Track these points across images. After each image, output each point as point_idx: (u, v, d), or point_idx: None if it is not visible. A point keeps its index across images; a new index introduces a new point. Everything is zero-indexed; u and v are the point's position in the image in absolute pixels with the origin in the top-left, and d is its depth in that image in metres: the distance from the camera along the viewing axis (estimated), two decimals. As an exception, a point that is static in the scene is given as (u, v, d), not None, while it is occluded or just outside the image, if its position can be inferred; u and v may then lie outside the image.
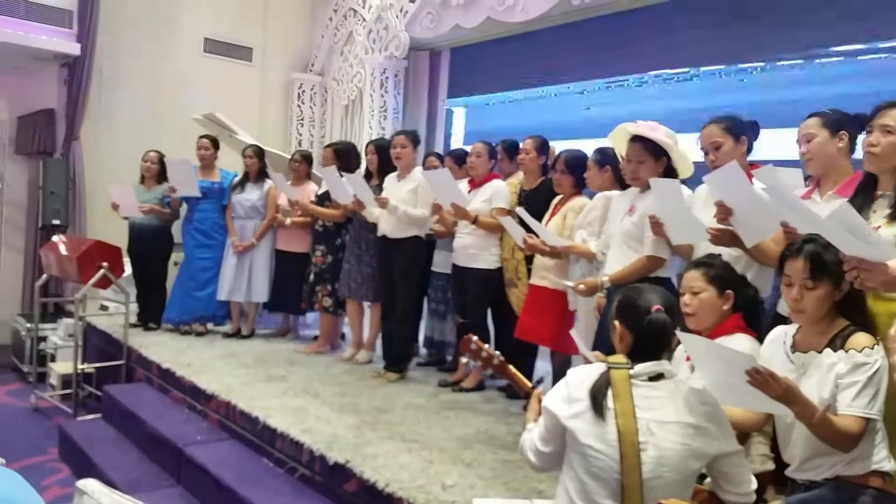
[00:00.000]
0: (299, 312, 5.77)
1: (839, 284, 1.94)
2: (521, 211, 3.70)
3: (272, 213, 5.55)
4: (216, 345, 5.29)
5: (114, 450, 4.18)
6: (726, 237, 2.60)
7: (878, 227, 2.11)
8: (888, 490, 1.90)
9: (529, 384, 2.27)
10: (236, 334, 5.61)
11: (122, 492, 1.55)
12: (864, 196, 2.24)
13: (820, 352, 1.97)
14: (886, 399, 1.91)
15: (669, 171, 3.13)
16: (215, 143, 5.73)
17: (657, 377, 1.86)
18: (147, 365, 4.93)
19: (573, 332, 2.98)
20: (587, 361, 2.25)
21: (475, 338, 2.35)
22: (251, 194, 5.58)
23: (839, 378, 1.89)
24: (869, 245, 1.67)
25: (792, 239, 2.25)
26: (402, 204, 4.48)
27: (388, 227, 4.55)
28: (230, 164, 6.09)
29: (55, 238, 5.67)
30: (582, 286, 3.27)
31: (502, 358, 2.31)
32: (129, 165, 6.10)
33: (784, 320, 2.32)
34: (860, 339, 1.91)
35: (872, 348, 1.89)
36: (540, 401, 2.04)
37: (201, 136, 5.71)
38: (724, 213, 2.52)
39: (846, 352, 1.90)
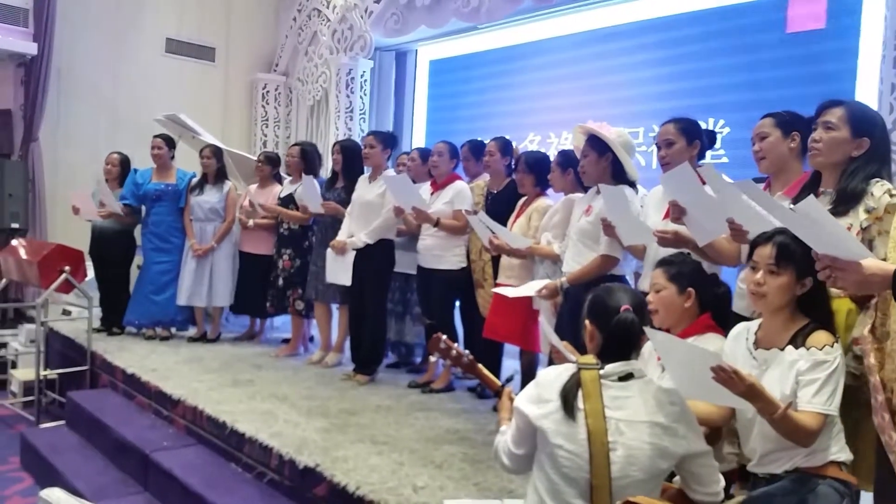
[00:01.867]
0: (267, 315, 5.73)
1: (802, 279, 1.99)
2: (482, 215, 3.75)
3: (232, 215, 5.49)
4: (181, 349, 5.22)
5: (78, 457, 4.11)
6: (671, 239, 2.69)
7: None
8: (845, 478, 1.97)
9: (499, 382, 2.29)
10: (202, 338, 5.55)
11: (88, 500, 1.54)
12: (808, 193, 2.31)
13: (782, 349, 2.02)
14: (843, 394, 1.98)
15: (619, 169, 3.30)
16: (170, 143, 5.61)
17: (627, 377, 1.89)
18: (111, 370, 4.86)
19: (542, 320, 3.06)
20: (554, 356, 2.27)
21: (444, 336, 2.36)
22: (210, 196, 5.50)
23: (800, 375, 1.94)
24: (840, 241, 1.67)
25: (738, 236, 2.33)
26: (369, 208, 4.48)
27: (355, 229, 4.54)
28: (192, 165, 6.01)
29: (15, 242, 5.56)
30: (544, 291, 3.42)
31: (472, 356, 2.33)
32: (91, 167, 6.03)
33: (740, 319, 2.38)
34: (820, 337, 1.96)
35: (832, 346, 1.94)
36: (511, 399, 2.07)
37: (155, 136, 5.60)
38: (677, 212, 2.59)
39: (807, 349, 1.95)
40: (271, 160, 5.62)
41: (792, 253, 1.97)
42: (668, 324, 2.41)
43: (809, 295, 2.01)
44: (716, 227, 2.47)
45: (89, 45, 7.20)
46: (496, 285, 4.05)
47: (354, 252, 4.46)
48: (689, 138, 2.96)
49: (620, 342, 1.93)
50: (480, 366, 2.33)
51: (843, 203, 2.16)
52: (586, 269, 3.28)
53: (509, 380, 2.37)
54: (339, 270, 4.52)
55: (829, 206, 2.19)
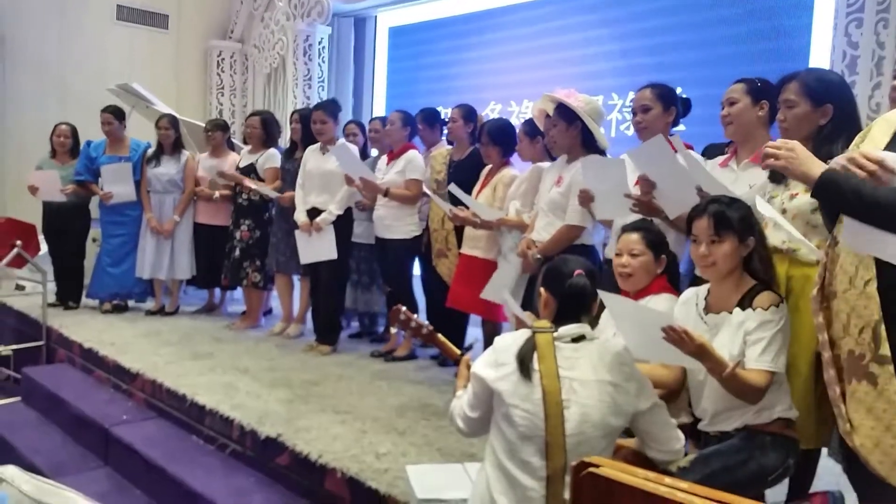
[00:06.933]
0: (228, 288, 5.67)
1: (744, 240, 2.04)
2: (453, 187, 3.73)
3: (191, 186, 5.39)
4: (139, 323, 5.15)
5: (35, 434, 4.05)
6: (645, 207, 2.70)
7: (797, 194, 2.22)
8: (790, 435, 2.04)
9: (458, 351, 2.32)
10: (160, 311, 5.47)
11: (46, 476, 1.52)
12: None
13: (731, 312, 2.07)
14: (793, 353, 2.03)
15: (588, 138, 3.28)
16: (119, 115, 5.46)
17: (579, 338, 1.93)
18: (68, 345, 4.78)
19: (507, 296, 3.05)
20: (518, 324, 2.30)
21: (404, 308, 2.38)
22: (168, 168, 5.39)
23: (747, 335, 1.99)
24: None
25: None
26: (331, 177, 4.44)
27: (320, 200, 4.49)
28: (146, 134, 5.87)
29: (-38, 217, 5.39)
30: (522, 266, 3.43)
31: (431, 327, 2.35)
32: (40, 140, 5.84)
33: (702, 283, 2.41)
34: (766, 297, 2.02)
35: (777, 306, 2.00)
36: (469, 367, 2.09)
37: (102, 111, 5.43)
38: (647, 186, 2.62)
39: (753, 310, 2.01)
40: (221, 127, 5.50)
41: (728, 219, 2.02)
42: (637, 287, 2.43)
43: (752, 254, 2.06)
44: (688, 198, 2.48)
45: (34, 10, 6.95)
46: (461, 255, 4.06)
47: (332, 226, 4.44)
48: (666, 104, 2.92)
49: (574, 305, 1.97)
50: (440, 335, 2.35)
51: None
52: (554, 239, 3.27)
53: (469, 348, 2.39)
54: (319, 247, 4.45)
55: None
